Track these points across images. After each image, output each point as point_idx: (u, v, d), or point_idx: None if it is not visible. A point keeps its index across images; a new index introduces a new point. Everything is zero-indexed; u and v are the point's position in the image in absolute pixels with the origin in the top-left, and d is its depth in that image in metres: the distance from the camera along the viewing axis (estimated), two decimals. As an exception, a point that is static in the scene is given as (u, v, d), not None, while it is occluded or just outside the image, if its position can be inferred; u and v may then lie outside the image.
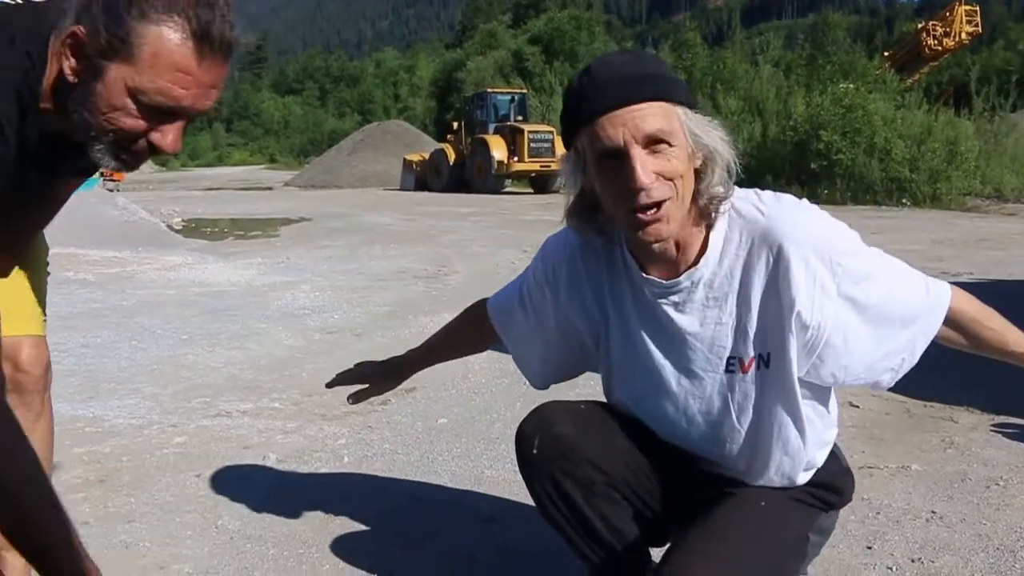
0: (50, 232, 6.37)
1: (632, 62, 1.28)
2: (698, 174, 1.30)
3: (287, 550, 2.05)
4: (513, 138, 21.79)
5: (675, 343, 1.42)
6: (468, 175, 22.92)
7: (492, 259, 8.03)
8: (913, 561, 1.95)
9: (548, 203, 17.77)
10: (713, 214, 1.35)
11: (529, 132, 21.60)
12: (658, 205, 1.25)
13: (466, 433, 2.91)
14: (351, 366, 1.95)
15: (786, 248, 1.32)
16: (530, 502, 2.02)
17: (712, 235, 1.36)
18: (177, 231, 13.57)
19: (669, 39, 29.72)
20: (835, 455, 1.58)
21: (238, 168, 62.49)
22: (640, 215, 1.26)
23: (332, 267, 7.55)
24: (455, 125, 24.93)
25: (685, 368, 1.43)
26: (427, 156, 25.18)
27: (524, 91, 26.43)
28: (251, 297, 5.89)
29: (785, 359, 1.37)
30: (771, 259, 1.33)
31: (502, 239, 9.92)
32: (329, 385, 1.92)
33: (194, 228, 13.90)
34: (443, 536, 2.13)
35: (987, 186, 16.89)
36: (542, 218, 13.27)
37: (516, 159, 21.54)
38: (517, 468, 2.52)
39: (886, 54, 37.40)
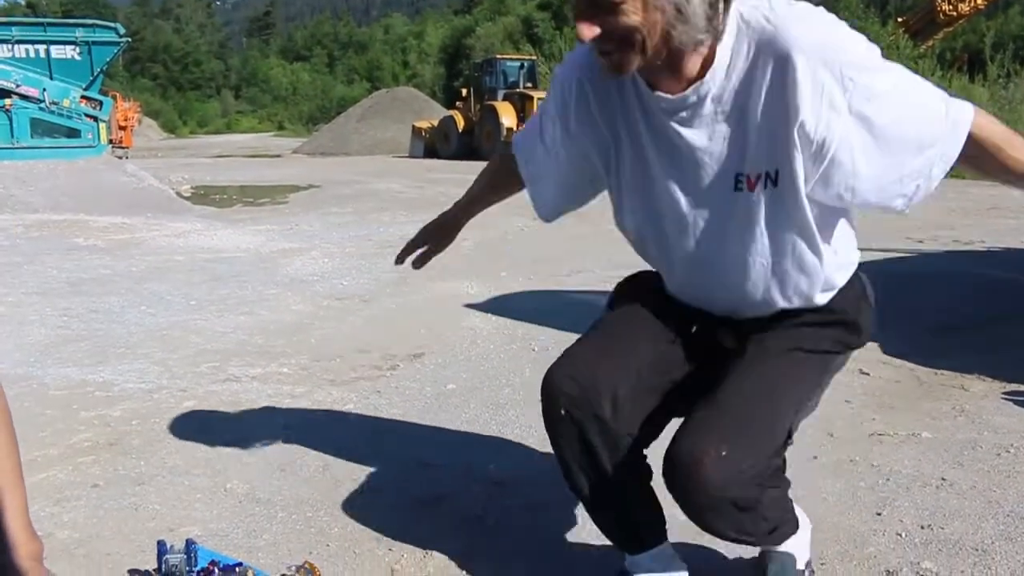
0: (59, 199, 6.46)
1: None
2: (677, 14, 1.25)
3: (295, 513, 2.05)
4: (522, 105, 21.60)
5: (684, 160, 1.39)
6: (477, 142, 22.76)
7: (501, 226, 7.98)
8: (923, 528, 1.94)
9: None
10: (699, 47, 1.30)
11: (539, 99, 21.30)
12: (608, 55, 1.28)
13: (474, 398, 2.90)
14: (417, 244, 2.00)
15: (793, 58, 1.26)
16: (538, 467, 2.02)
17: (719, 48, 1.31)
18: (186, 198, 13.58)
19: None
20: (857, 281, 1.55)
21: (247, 135, 62.31)
22: (599, 58, 1.31)
23: (341, 234, 7.54)
24: (464, 92, 24.74)
25: (694, 186, 1.40)
26: (436, 123, 25.03)
27: (533, 58, 26.16)
28: (260, 263, 5.89)
29: (792, 176, 1.33)
30: (777, 70, 1.28)
31: (511, 206, 9.72)
32: (398, 261, 1.97)
33: (203, 195, 13.91)
34: (452, 500, 2.13)
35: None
36: (551, 185, 13.20)
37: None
38: (523, 434, 2.53)
39: (900, 20, 36.87)
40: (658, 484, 1.48)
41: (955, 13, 32.08)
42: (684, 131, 1.36)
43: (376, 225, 8.24)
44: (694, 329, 1.57)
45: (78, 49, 16.59)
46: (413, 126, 26.08)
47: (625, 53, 1.27)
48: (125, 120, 32.91)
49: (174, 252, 6.49)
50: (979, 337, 3.76)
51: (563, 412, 1.48)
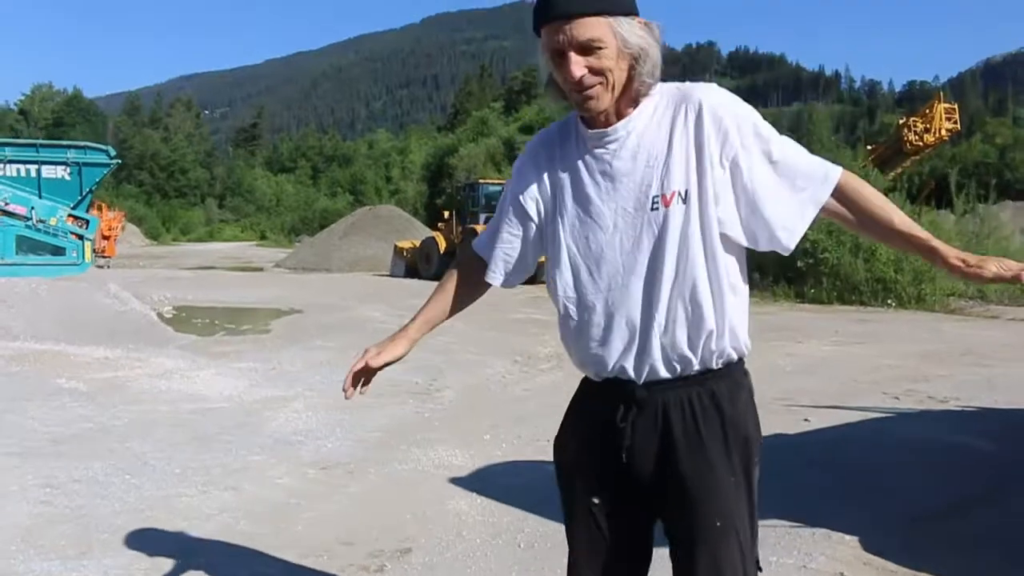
0: (40, 324, 6.53)
1: None
2: (634, 65, 1.63)
3: None
4: (504, 229, 22.01)
5: (613, 185, 1.70)
6: (458, 264, 23.03)
7: (483, 371, 8.08)
8: None
9: (537, 296, 17.85)
10: (645, 95, 1.68)
11: (520, 224, 21.81)
12: (591, 87, 1.62)
13: (462, 608, 2.90)
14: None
15: (704, 104, 1.65)
16: None
17: (645, 100, 1.69)
18: (168, 320, 13.61)
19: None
20: (746, 381, 1.76)
21: (229, 244, 62.72)
22: (578, 94, 1.63)
23: (324, 377, 7.57)
24: (446, 214, 25.17)
25: (622, 208, 1.69)
26: (418, 244, 25.37)
27: (515, 181, 26.80)
28: (244, 417, 5.89)
29: (701, 194, 1.64)
30: (692, 112, 1.66)
31: (492, 345, 9.98)
32: (355, 390, 1.91)
33: (185, 318, 13.92)
34: None
35: (971, 287, 17.13)
36: (532, 316, 13.37)
37: (506, 249, 21.71)
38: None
39: (869, 147, 38.33)
40: None
41: (921, 143, 33.54)
42: (613, 160, 1.69)
43: (359, 365, 8.28)
44: (631, 469, 1.72)
45: (69, 169, 16.95)
46: (395, 246, 26.37)
47: (601, 88, 1.62)
48: (109, 230, 33.28)
49: (157, 399, 6.48)
50: (957, 526, 3.81)
51: None
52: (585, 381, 1.83)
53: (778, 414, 6.12)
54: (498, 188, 24.60)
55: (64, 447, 5.01)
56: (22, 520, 3.72)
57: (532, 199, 1.81)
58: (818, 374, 7.89)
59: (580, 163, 1.73)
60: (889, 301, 16.18)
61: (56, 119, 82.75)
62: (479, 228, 22.18)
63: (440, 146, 51.77)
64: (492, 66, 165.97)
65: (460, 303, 1.96)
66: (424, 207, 44.77)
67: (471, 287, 1.95)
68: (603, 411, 1.74)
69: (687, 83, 1.72)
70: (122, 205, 58.26)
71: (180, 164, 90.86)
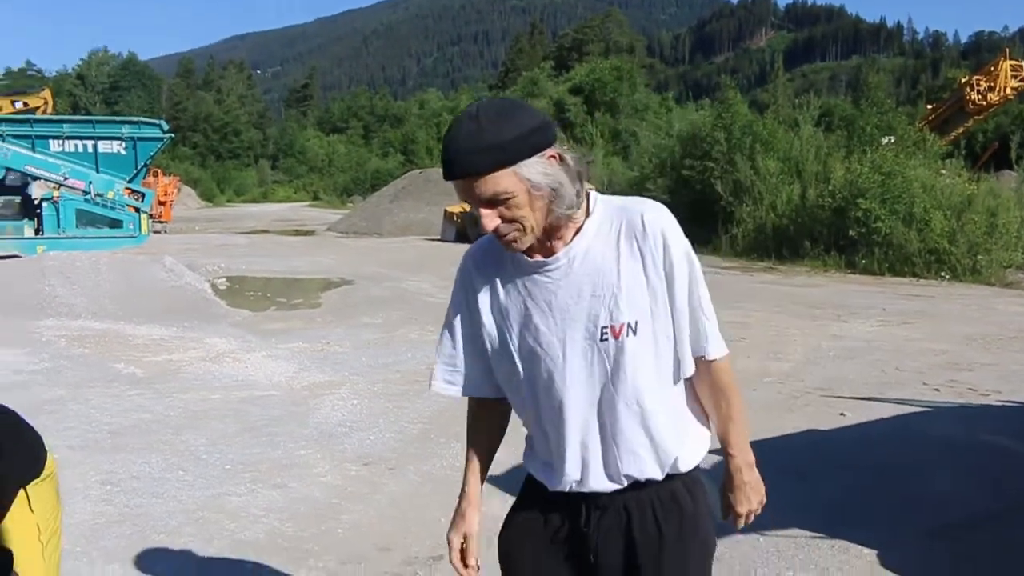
0: (100, 300, 6.83)
1: (475, 134, 1.52)
2: (550, 203, 1.57)
3: None
4: (551, 195, 22.03)
5: (560, 315, 1.65)
6: (506, 230, 23.17)
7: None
8: None
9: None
10: (572, 219, 1.62)
11: (567, 190, 21.81)
12: (507, 235, 1.58)
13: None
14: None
15: (648, 227, 1.63)
16: None
17: (587, 222, 1.64)
18: (222, 291, 14.04)
19: (713, 97, 29.82)
20: (700, 487, 1.77)
21: (282, 205, 63.69)
22: (499, 240, 1.61)
23: (370, 360, 7.78)
24: (495, 179, 25.23)
25: (571, 338, 1.64)
26: (468, 208, 25.53)
27: (564, 147, 26.69)
28: (291, 406, 6.13)
29: (655, 324, 1.64)
30: (638, 236, 1.63)
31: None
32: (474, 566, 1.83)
33: (238, 291, 14.35)
34: None
35: (1030, 259, 16.72)
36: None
37: (553, 216, 21.76)
38: None
39: (929, 107, 37.29)
40: None
41: (984, 103, 32.55)
42: (556, 289, 1.64)
43: (403, 346, 8.50)
44: (599, 570, 1.72)
45: (124, 144, 17.42)
46: (445, 211, 26.60)
47: (519, 233, 1.58)
48: (165, 195, 34.05)
49: (209, 385, 6.76)
50: (981, 539, 3.84)
51: None
52: (535, 482, 1.79)
53: (816, 407, 6.17)
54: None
55: (123, 439, 5.28)
56: (86, 519, 3.98)
57: (484, 331, 1.74)
58: (860, 359, 7.87)
59: (524, 290, 1.68)
60: (943, 273, 15.86)
61: (112, 83, 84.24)
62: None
63: (490, 107, 51.51)
64: (543, 22, 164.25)
65: (495, 441, 1.92)
66: (474, 169, 44.79)
67: (495, 420, 1.89)
68: (564, 517, 1.74)
69: (629, 201, 1.69)
70: (177, 168, 59.41)
71: (233, 126, 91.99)
